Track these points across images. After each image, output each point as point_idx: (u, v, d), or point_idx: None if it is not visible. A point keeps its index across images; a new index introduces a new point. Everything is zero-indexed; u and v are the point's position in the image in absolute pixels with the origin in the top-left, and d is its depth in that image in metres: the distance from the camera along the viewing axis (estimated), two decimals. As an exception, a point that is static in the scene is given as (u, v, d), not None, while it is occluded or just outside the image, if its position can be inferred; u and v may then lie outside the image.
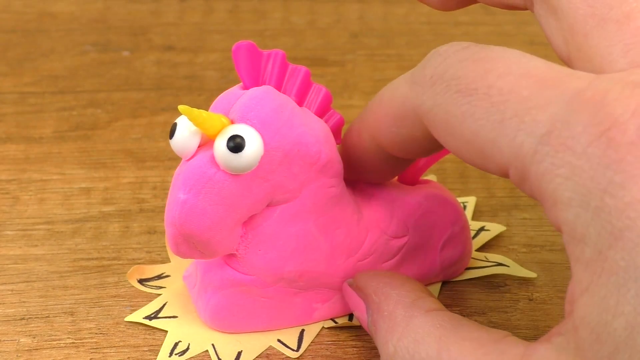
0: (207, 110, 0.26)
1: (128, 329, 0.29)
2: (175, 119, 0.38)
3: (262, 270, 0.27)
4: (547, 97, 0.21)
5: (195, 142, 0.25)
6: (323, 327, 0.29)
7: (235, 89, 0.27)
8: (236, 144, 0.24)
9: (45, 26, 0.44)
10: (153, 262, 0.31)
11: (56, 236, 0.33)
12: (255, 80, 0.26)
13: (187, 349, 0.28)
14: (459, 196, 0.34)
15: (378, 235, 0.28)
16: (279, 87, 0.26)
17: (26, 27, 0.44)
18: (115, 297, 0.30)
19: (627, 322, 0.19)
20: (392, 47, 0.43)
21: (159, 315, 0.29)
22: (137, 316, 0.29)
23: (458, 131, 0.22)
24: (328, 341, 0.28)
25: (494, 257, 0.31)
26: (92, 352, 0.28)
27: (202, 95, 0.40)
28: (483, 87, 0.22)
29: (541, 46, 0.43)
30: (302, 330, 0.28)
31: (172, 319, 0.29)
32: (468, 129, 0.22)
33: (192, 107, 0.39)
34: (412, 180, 0.30)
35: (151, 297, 0.30)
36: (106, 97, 0.40)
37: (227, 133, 0.25)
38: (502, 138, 0.21)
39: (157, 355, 0.28)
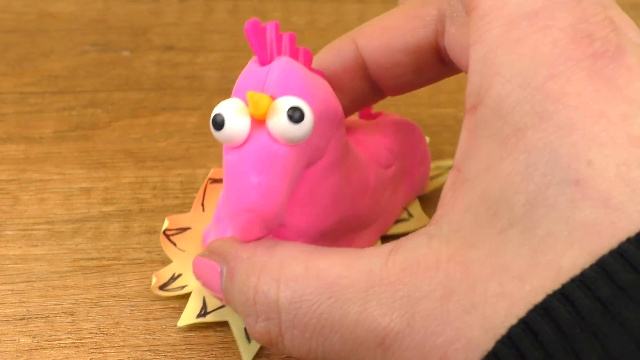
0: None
1: (128, 329, 0.29)
2: (175, 119, 0.38)
3: (306, 232, 0.27)
4: None
5: (247, 125, 0.25)
6: None
7: (254, 67, 0.26)
8: (298, 115, 0.24)
9: (46, 26, 0.44)
10: (153, 262, 0.31)
11: (56, 236, 0.33)
12: (268, 53, 0.26)
13: None
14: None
15: (376, 169, 0.30)
16: (289, 55, 0.27)
17: (26, 27, 0.44)
18: (115, 297, 0.30)
19: (528, 199, 0.19)
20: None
21: (208, 311, 0.29)
22: (189, 318, 0.29)
23: None
24: (328, 341, 0.28)
25: (445, 163, 0.35)
26: (92, 352, 0.28)
27: (202, 95, 0.40)
28: None
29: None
30: None
31: (221, 309, 0.29)
32: None
33: (191, 107, 0.39)
34: (370, 115, 0.32)
35: (151, 297, 0.30)
36: (106, 97, 0.40)
37: (280, 108, 0.24)
38: None
39: (157, 355, 0.28)
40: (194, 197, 0.34)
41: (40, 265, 0.31)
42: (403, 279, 0.21)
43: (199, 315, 0.29)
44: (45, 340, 0.28)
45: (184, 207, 0.34)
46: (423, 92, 0.38)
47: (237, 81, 0.26)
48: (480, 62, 0.21)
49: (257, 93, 0.24)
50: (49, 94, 0.40)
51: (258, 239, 0.26)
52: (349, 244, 0.30)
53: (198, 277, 0.27)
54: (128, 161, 0.36)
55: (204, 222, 0.31)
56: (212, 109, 0.39)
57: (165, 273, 0.30)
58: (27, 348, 0.28)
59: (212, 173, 0.32)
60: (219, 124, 0.25)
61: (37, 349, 0.28)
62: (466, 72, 0.25)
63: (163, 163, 0.36)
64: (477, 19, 0.22)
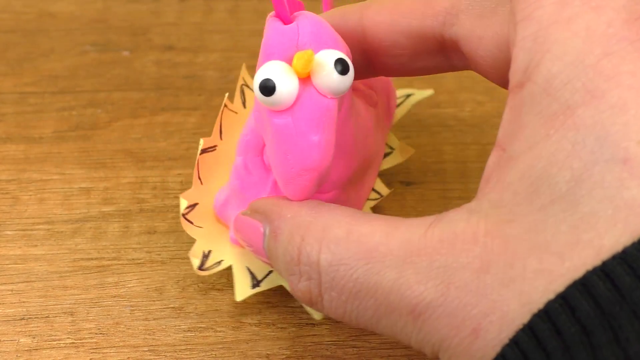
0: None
1: (128, 329, 0.29)
2: (175, 119, 0.38)
3: (340, 180, 0.28)
4: None
5: (296, 85, 0.25)
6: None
7: (279, 25, 0.26)
8: (344, 67, 0.24)
9: (45, 26, 0.44)
10: (153, 262, 0.31)
11: (56, 236, 0.32)
12: (287, 11, 0.26)
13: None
14: (460, 197, 0.34)
15: (370, 109, 0.30)
16: (299, 7, 0.27)
17: (26, 27, 0.44)
18: (115, 297, 0.30)
19: (573, 176, 0.19)
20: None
21: (259, 280, 0.29)
22: (245, 291, 0.28)
23: None
24: (328, 341, 0.28)
25: (399, 92, 0.36)
26: (91, 353, 0.28)
27: (202, 95, 0.40)
28: None
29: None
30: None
31: (270, 275, 0.29)
32: None
33: (191, 107, 0.39)
34: None
35: (151, 297, 0.30)
36: (106, 97, 0.39)
37: (326, 62, 0.24)
38: None
39: (157, 356, 0.28)
40: (193, 197, 0.34)
41: (40, 266, 0.31)
42: (440, 250, 0.21)
43: (253, 286, 0.28)
44: (45, 341, 0.28)
45: (184, 207, 0.34)
46: (421, 80, 0.38)
47: (264, 42, 0.25)
48: (530, 40, 0.21)
49: (305, 51, 0.24)
50: (48, 94, 0.40)
51: (311, 195, 0.26)
52: (362, 186, 0.30)
53: (239, 234, 0.27)
54: (128, 161, 0.36)
55: (207, 194, 0.31)
56: (211, 109, 0.39)
57: (196, 252, 0.29)
58: (26, 348, 0.28)
59: (203, 144, 0.31)
60: (270, 88, 0.24)
61: (36, 349, 0.28)
62: (477, 65, 0.26)
63: (163, 163, 0.36)
64: None
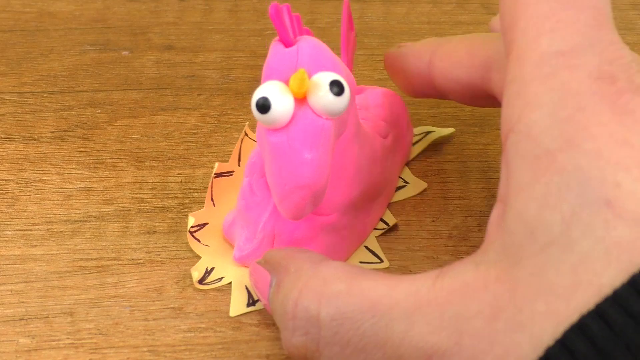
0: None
1: (127, 329, 0.29)
2: (174, 119, 0.38)
3: (340, 204, 0.29)
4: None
5: (291, 105, 0.25)
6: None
7: (280, 48, 0.27)
8: (339, 89, 0.25)
9: (45, 26, 0.44)
10: (152, 262, 0.31)
11: (55, 236, 0.32)
12: (290, 34, 0.27)
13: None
14: (460, 197, 0.34)
15: (380, 139, 0.31)
16: (307, 33, 0.28)
17: (25, 27, 0.44)
18: (114, 297, 0.30)
19: (563, 219, 0.20)
20: (392, 46, 0.43)
21: (255, 300, 0.29)
22: (240, 309, 0.29)
23: None
24: (328, 342, 0.28)
25: (419, 129, 0.36)
26: (91, 353, 0.28)
27: (202, 95, 0.40)
28: None
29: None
30: (366, 247, 0.31)
31: None
32: None
33: (191, 107, 0.39)
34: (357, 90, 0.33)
35: (150, 297, 0.30)
36: (105, 96, 0.39)
37: (321, 83, 0.25)
38: (533, 30, 0.23)
39: (157, 356, 0.28)
40: (193, 197, 0.34)
41: (40, 266, 0.31)
42: (451, 300, 0.22)
43: (249, 305, 0.29)
44: (45, 341, 0.28)
45: (184, 207, 0.34)
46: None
47: (266, 64, 0.27)
48: (513, 97, 0.23)
49: (299, 71, 0.25)
50: (48, 94, 0.40)
51: (307, 214, 0.26)
52: (368, 214, 0.31)
53: (254, 283, 0.28)
54: (127, 161, 0.36)
55: (218, 215, 0.32)
56: (211, 109, 0.39)
57: (199, 267, 0.31)
58: (26, 349, 0.28)
59: (217, 168, 0.33)
60: (266, 107, 0.25)
61: (36, 350, 0.28)
62: None
63: (162, 163, 0.36)
64: (513, 60, 0.23)
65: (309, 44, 0.26)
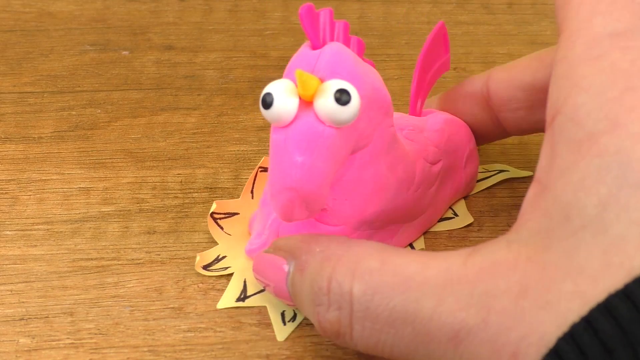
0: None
1: (127, 329, 0.29)
2: (174, 119, 0.38)
3: (349, 218, 0.28)
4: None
5: (295, 105, 0.25)
6: None
7: (306, 50, 0.27)
8: (345, 97, 0.25)
9: (45, 26, 0.44)
10: (152, 262, 0.31)
11: (55, 236, 0.32)
12: (320, 38, 0.27)
13: (295, 315, 0.29)
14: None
15: (422, 164, 0.30)
16: (342, 41, 0.27)
17: (25, 27, 0.44)
18: (114, 297, 0.30)
19: (600, 201, 0.20)
20: (392, 47, 0.43)
21: (247, 295, 0.29)
22: (228, 301, 0.29)
23: None
24: (328, 341, 0.28)
25: (493, 166, 0.35)
26: (91, 353, 0.28)
27: (202, 95, 0.40)
28: None
29: (542, 46, 0.43)
30: None
31: (260, 293, 0.29)
32: None
33: (191, 107, 0.39)
34: (421, 112, 0.33)
35: (150, 297, 0.30)
36: (105, 96, 0.39)
37: (328, 89, 0.25)
38: (586, 9, 0.23)
39: (157, 356, 0.28)
40: (193, 197, 0.34)
41: (40, 266, 0.31)
42: (481, 278, 0.22)
43: (238, 299, 0.29)
44: (45, 341, 0.28)
45: (184, 207, 0.34)
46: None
47: (289, 63, 0.26)
48: (561, 77, 0.23)
49: (306, 73, 0.25)
50: (48, 94, 0.40)
51: (300, 219, 0.26)
52: (390, 237, 0.30)
53: (258, 274, 0.28)
54: (127, 161, 0.36)
55: (252, 208, 0.32)
56: (211, 109, 0.39)
57: (210, 254, 0.31)
58: (26, 348, 0.28)
59: (263, 161, 0.33)
60: (267, 103, 0.25)
61: (36, 350, 0.28)
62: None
63: (162, 163, 0.36)
64: (564, 39, 0.23)
65: (332, 49, 0.26)
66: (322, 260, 0.25)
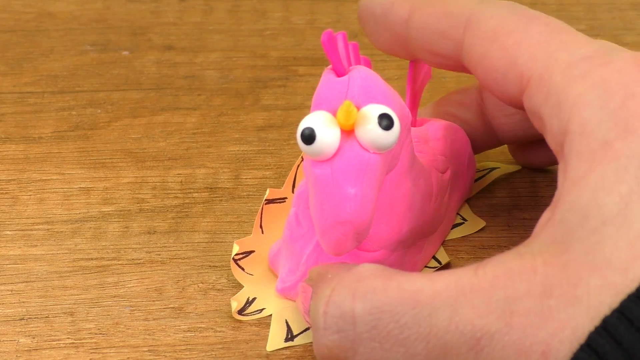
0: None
1: (128, 329, 0.29)
2: (174, 119, 0.38)
3: (387, 240, 0.28)
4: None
5: (337, 136, 0.24)
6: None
7: (331, 77, 0.26)
8: (388, 122, 0.24)
9: (45, 26, 0.44)
10: (152, 262, 0.31)
11: (55, 236, 0.32)
12: (344, 63, 0.26)
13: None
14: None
15: (436, 175, 0.30)
16: (357, 63, 0.27)
17: (25, 27, 0.44)
18: (114, 297, 0.30)
19: (622, 199, 0.21)
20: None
21: (294, 334, 0.28)
22: (277, 343, 0.28)
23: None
24: (328, 341, 0.28)
25: (482, 165, 0.35)
26: (91, 353, 0.28)
27: (202, 95, 0.40)
28: (542, 17, 0.25)
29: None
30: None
31: (307, 331, 0.28)
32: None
33: (191, 107, 0.39)
34: (417, 122, 0.32)
35: (150, 297, 0.30)
36: (106, 97, 0.39)
37: (370, 116, 0.24)
38: (542, 53, 0.24)
39: (157, 356, 0.28)
40: (193, 197, 0.34)
41: (40, 266, 0.31)
42: (497, 285, 0.21)
43: (287, 340, 0.28)
44: (45, 341, 0.28)
45: (184, 207, 0.34)
46: (424, 91, 0.38)
47: (316, 93, 0.26)
48: (556, 108, 0.23)
49: (347, 102, 0.24)
50: (48, 94, 0.40)
51: (349, 250, 0.25)
52: (419, 251, 0.30)
53: (303, 307, 0.26)
54: (127, 161, 0.36)
55: (266, 243, 0.31)
56: (211, 109, 0.39)
57: (240, 297, 0.29)
58: (26, 348, 0.28)
59: (268, 194, 0.31)
60: (310, 138, 0.24)
61: (36, 350, 0.28)
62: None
63: (162, 163, 0.36)
64: (536, 83, 0.24)
65: (361, 74, 0.26)
66: (326, 284, 0.24)
